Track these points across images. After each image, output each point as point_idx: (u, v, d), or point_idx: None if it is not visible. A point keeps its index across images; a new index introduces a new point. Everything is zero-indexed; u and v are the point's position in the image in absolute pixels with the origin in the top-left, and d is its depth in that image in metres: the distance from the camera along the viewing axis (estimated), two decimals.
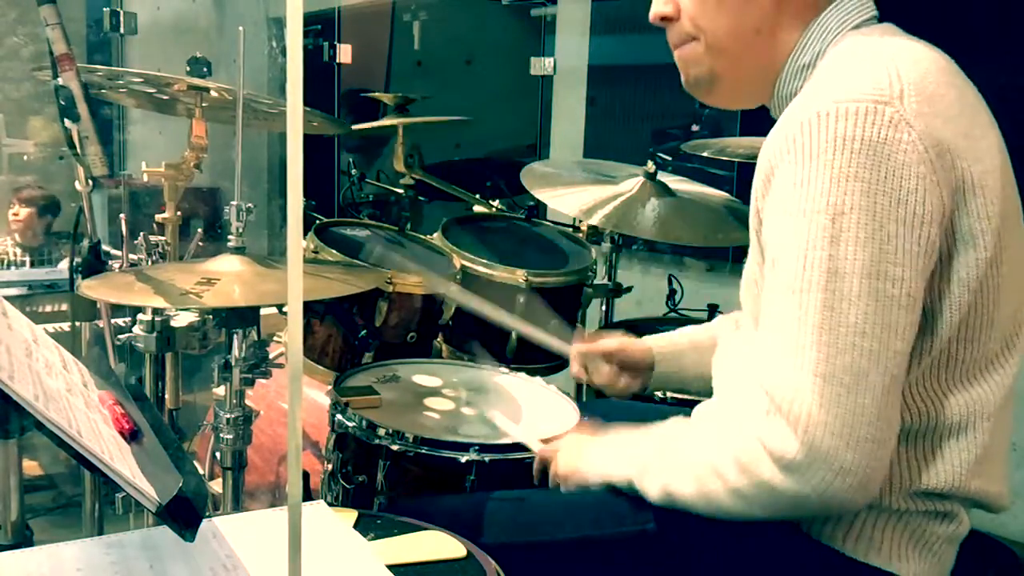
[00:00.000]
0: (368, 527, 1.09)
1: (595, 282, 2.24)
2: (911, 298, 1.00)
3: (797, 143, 1.01)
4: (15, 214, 3.87)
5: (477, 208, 2.55)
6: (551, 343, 1.77)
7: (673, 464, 1.12)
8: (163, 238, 1.89)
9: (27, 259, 3.79)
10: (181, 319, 1.74)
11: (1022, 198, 1.13)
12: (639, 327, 2.12)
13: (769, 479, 1.00)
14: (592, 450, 1.26)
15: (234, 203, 1.50)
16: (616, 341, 1.60)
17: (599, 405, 1.79)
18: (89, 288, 1.41)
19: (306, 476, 1.57)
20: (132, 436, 0.93)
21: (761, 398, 1.01)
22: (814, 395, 0.97)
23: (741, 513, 1.05)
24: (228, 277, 1.45)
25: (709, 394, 1.36)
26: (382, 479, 1.47)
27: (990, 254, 1.04)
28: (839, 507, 1.02)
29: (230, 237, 1.51)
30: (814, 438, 0.97)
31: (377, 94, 2.61)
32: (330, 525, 1.05)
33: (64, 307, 2.72)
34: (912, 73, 1.03)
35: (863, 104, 0.99)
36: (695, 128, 3.67)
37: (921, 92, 1.01)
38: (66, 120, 1.42)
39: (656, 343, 1.58)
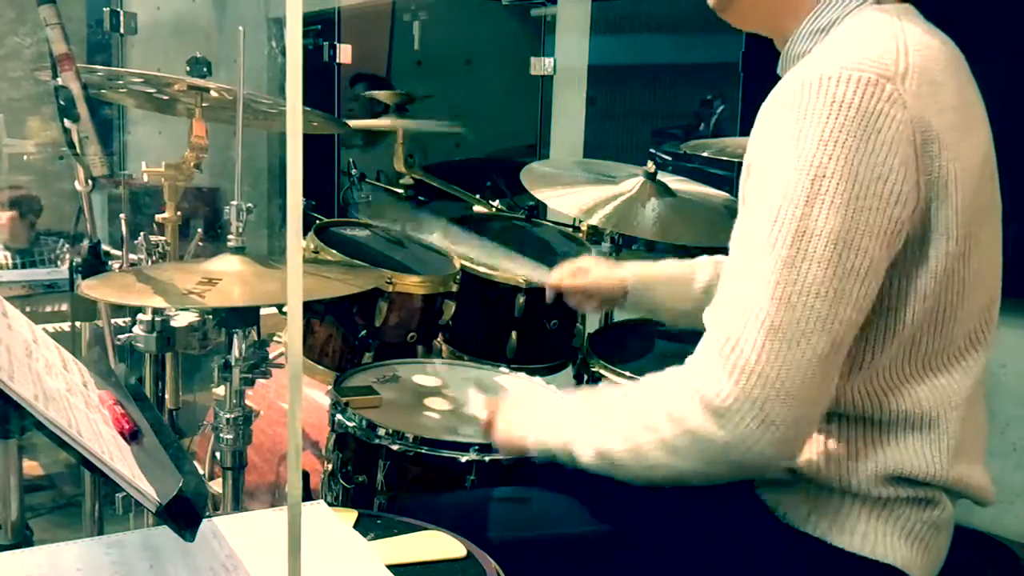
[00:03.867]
0: (368, 527, 1.09)
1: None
2: (872, 272, 1.01)
3: (795, 100, 1.02)
4: None
5: (477, 208, 2.54)
6: (531, 275, 1.91)
7: (604, 423, 1.12)
8: (163, 238, 1.89)
9: (18, 262, 3.75)
10: (181, 319, 1.74)
11: (1004, 199, 1.15)
12: (640, 326, 2.12)
13: (697, 426, 1.01)
14: (527, 416, 1.26)
15: (234, 203, 1.50)
16: (592, 279, 1.73)
17: None
18: (89, 288, 1.41)
19: (306, 476, 1.57)
20: (132, 436, 0.93)
21: (706, 338, 1.03)
22: (756, 345, 0.98)
23: (670, 468, 1.05)
24: (228, 277, 1.45)
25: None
26: (382, 479, 1.47)
27: (959, 248, 1.06)
28: (759, 461, 1.01)
29: (230, 237, 1.51)
30: (746, 384, 0.98)
31: (377, 93, 2.61)
32: (330, 525, 1.05)
33: (64, 307, 2.71)
34: (919, 57, 1.04)
35: (866, 74, 1.00)
36: (702, 128, 3.67)
37: (923, 77, 1.03)
38: (66, 120, 1.42)
39: (632, 277, 1.68)
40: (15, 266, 3.70)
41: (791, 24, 1.18)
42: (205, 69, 1.77)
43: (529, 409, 1.28)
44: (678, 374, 1.06)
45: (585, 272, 1.75)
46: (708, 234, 2.21)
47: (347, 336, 1.90)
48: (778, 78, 1.10)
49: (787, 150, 1.01)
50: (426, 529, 1.10)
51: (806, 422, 1.01)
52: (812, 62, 1.06)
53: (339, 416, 1.54)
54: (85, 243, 1.62)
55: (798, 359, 0.98)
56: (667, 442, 1.04)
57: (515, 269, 1.95)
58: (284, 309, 1.79)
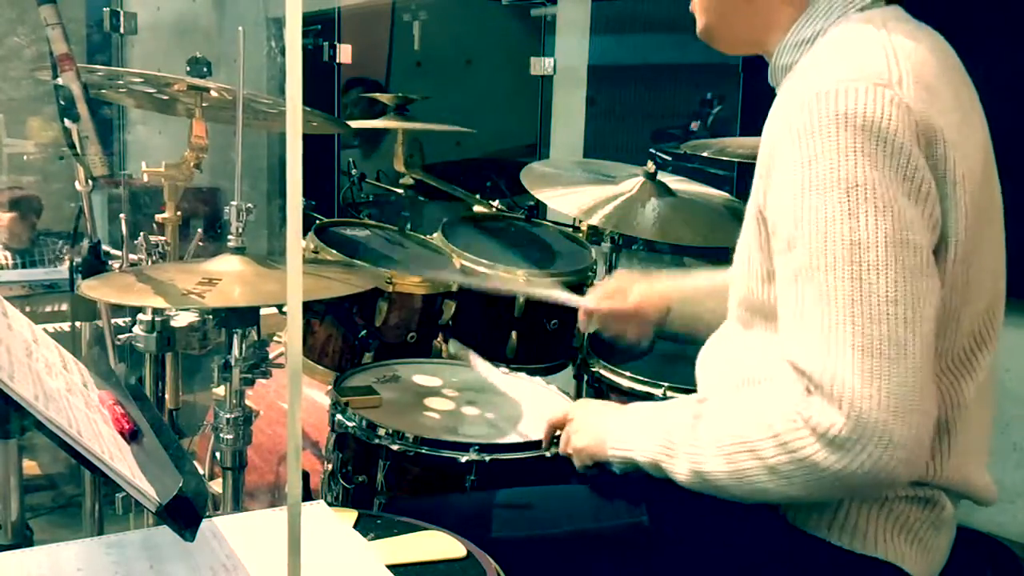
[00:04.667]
0: (368, 527, 1.09)
1: (595, 282, 2.23)
2: (931, 265, 1.00)
3: (799, 122, 1.01)
4: None
5: (477, 208, 2.54)
6: (559, 298, 1.78)
7: (703, 443, 1.09)
8: (163, 238, 1.88)
9: (17, 262, 3.74)
10: (181, 319, 1.74)
11: (1004, 200, 1.15)
12: None
13: (812, 456, 0.97)
14: (612, 426, 1.22)
15: (234, 203, 1.50)
16: (632, 303, 1.56)
17: None
18: (89, 288, 1.41)
19: (306, 476, 1.57)
20: (132, 436, 0.93)
21: (796, 381, 0.99)
22: (855, 369, 0.95)
23: (778, 491, 1.02)
24: (228, 277, 1.45)
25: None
26: (382, 479, 1.47)
27: (964, 250, 1.05)
28: (886, 483, 0.99)
29: (230, 237, 1.51)
30: (861, 412, 0.94)
31: (377, 94, 2.61)
32: (330, 525, 1.05)
33: (64, 307, 2.72)
34: (910, 62, 1.04)
35: (863, 84, 1.00)
36: (694, 127, 3.66)
37: (919, 80, 1.03)
38: (66, 120, 1.42)
39: (675, 292, 1.54)
40: (15, 266, 3.70)
41: (774, 41, 1.19)
42: (205, 69, 1.77)
43: (607, 419, 1.24)
44: (781, 397, 1.01)
45: (623, 293, 1.57)
46: (708, 234, 2.22)
47: (347, 336, 1.90)
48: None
49: (808, 175, 1.00)
50: (426, 529, 1.10)
51: (926, 433, 0.98)
52: (805, 81, 1.06)
53: (339, 416, 1.54)
54: (85, 243, 1.62)
55: (901, 371, 0.95)
56: (776, 468, 1.01)
57: (537, 292, 1.85)
58: (284, 309, 1.79)
